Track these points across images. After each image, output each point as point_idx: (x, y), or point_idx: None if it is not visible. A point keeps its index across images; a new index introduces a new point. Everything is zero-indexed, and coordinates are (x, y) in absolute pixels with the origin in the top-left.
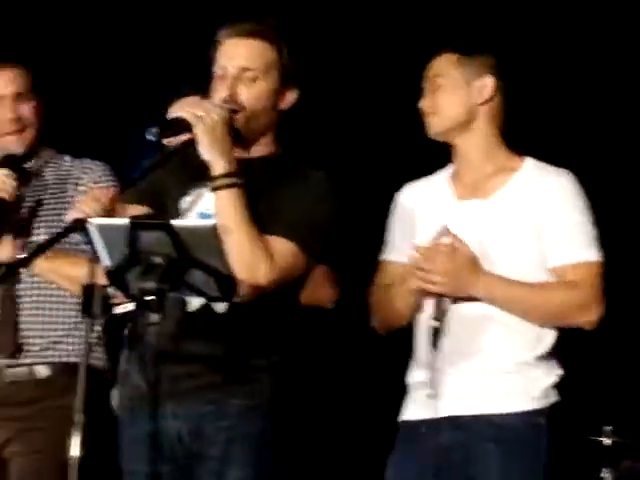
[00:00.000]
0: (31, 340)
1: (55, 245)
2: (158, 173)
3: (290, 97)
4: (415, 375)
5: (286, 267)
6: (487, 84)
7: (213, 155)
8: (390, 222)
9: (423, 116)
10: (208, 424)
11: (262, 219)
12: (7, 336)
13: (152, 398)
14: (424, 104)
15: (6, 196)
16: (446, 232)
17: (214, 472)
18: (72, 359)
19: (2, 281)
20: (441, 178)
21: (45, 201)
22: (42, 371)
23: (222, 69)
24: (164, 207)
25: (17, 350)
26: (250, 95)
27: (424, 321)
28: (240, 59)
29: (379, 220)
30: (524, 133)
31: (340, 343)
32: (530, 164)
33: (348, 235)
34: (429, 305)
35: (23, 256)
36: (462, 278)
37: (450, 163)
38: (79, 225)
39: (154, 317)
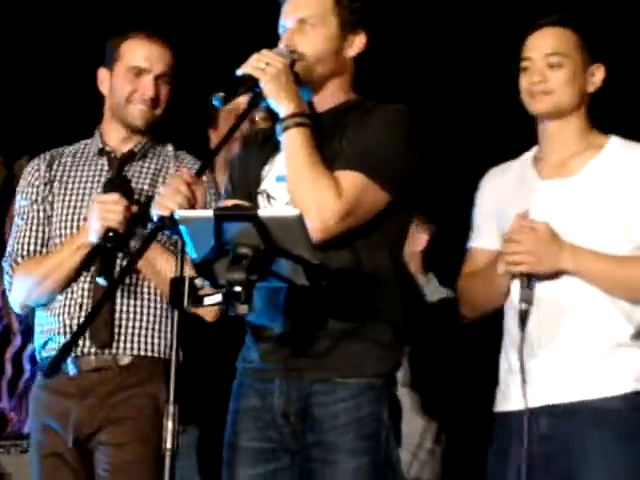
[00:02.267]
0: (119, 330)
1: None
2: (242, 158)
3: (358, 42)
4: (506, 362)
5: (356, 199)
6: (599, 73)
7: (280, 100)
8: (475, 208)
9: (527, 93)
10: (317, 405)
11: (332, 160)
12: (102, 328)
13: (262, 372)
14: (535, 84)
15: (118, 227)
16: (526, 215)
17: (323, 460)
18: (156, 349)
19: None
20: (524, 160)
21: (143, 189)
22: (125, 359)
23: (282, 27)
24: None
25: (110, 341)
26: (308, 43)
27: (512, 306)
28: (295, 11)
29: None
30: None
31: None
32: (616, 141)
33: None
34: (516, 289)
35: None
36: (548, 254)
37: (532, 145)
38: (167, 222)
39: (243, 308)
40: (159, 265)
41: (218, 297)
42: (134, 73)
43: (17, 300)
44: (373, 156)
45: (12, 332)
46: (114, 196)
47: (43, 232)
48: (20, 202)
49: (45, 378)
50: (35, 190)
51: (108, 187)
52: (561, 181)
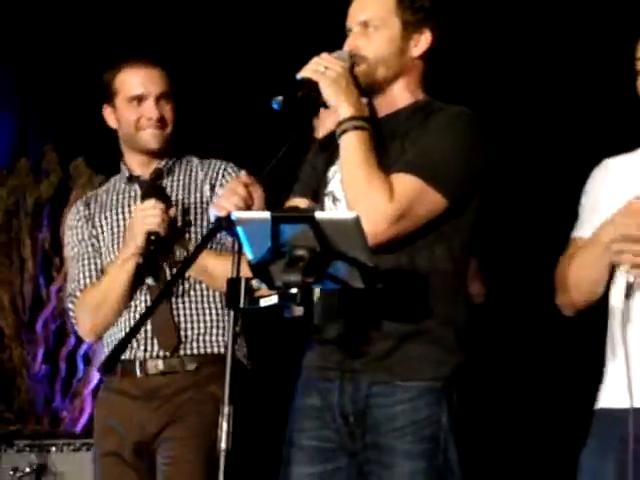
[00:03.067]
0: (183, 332)
1: (204, 246)
2: (313, 159)
3: (424, 41)
4: (610, 359)
5: (409, 202)
6: None
7: (339, 103)
8: (584, 198)
9: None
10: (375, 407)
11: (392, 164)
12: (169, 333)
13: (323, 372)
14: None
15: (159, 229)
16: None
17: (381, 463)
18: (217, 350)
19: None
20: None
21: (178, 203)
22: (191, 364)
23: (347, 31)
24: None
25: (178, 345)
26: (370, 46)
27: (615, 300)
28: (358, 14)
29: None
30: None
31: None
32: None
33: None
34: (621, 283)
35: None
36: None
37: None
38: (223, 222)
39: (299, 310)
40: (211, 268)
41: (274, 299)
42: (135, 102)
43: (85, 329)
44: (430, 159)
45: (66, 332)
46: (151, 201)
47: (96, 264)
48: (67, 248)
49: (110, 379)
50: (79, 231)
51: (144, 196)
52: None
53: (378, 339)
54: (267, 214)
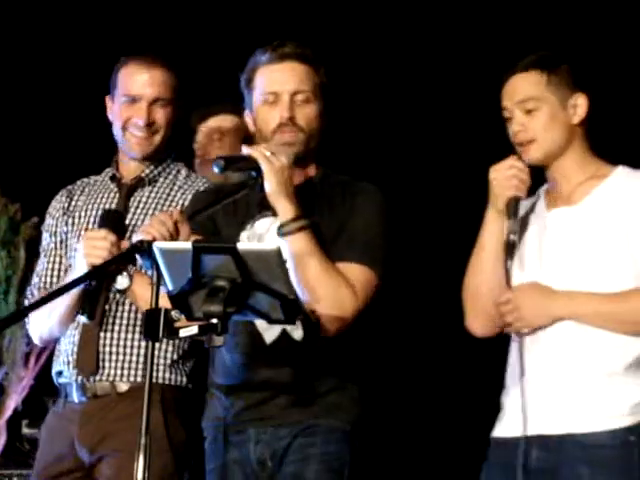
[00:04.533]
0: (110, 357)
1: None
2: (210, 216)
3: (327, 119)
4: (507, 390)
5: (367, 293)
6: (582, 102)
7: (279, 197)
8: None
9: (516, 144)
10: (290, 445)
11: (326, 242)
12: (88, 356)
13: (236, 426)
14: (518, 132)
15: (100, 262)
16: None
17: None
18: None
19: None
20: (539, 194)
21: (149, 214)
22: (123, 386)
23: (270, 94)
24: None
25: (96, 370)
26: (307, 117)
27: (515, 339)
28: (291, 83)
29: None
30: (611, 141)
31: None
32: (621, 171)
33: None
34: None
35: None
36: (542, 308)
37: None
38: (144, 246)
39: (219, 340)
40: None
41: (194, 329)
42: (129, 100)
43: (34, 332)
44: (371, 247)
45: None
46: (102, 232)
47: (60, 263)
48: (44, 234)
49: (56, 403)
50: (54, 222)
51: (100, 222)
52: (565, 209)
53: (291, 387)
54: (188, 244)
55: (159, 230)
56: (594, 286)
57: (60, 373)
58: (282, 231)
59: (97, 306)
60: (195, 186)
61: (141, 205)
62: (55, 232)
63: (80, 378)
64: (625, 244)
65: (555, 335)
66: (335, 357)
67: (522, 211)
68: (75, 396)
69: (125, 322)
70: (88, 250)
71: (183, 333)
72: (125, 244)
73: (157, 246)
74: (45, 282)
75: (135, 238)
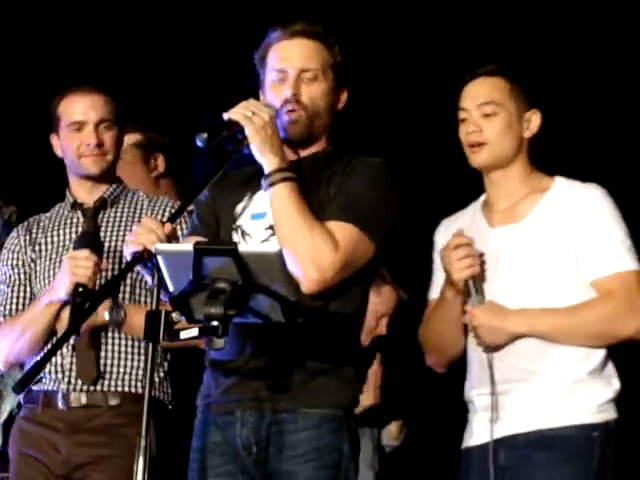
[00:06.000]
0: (108, 368)
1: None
2: (211, 197)
3: (343, 98)
4: (473, 401)
5: (352, 251)
6: (536, 119)
7: (265, 153)
8: (433, 262)
9: (467, 145)
10: (278, 435)
11: (320, 209)
12: (89, 363)
13: (223, 406)
14: (472, 133)
15: (87, 282)
16: (461, 232)
17: None
18: (141, 390)
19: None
20: (474, 209)
21: (120, 233)
22: (114, 399)
23: (279, 72)
24: (219, 233)
25: (98, 378)
26: (312, 95)
27: (475, 349)
28: (299, 60)
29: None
30: (549, 152)
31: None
32: (561, 182)
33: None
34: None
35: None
36: (499, 329)
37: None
38: (144, 255)
39: (220, 342)
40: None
41: (194, 331)
42: (75, 129)
43: (1, 355)
44: (362, 208)
45: None
46: (85, 252)
47: (25, 292)
48: (2, 269)
49: (31, 410)
50: (15, 256)
51: (79, 243)
52: (510, 227)
53: (282, 370)
54: (189, 246)
55: (148, 238)
56: (547, 301)
57: (39, 380)
58: (266, 182)
59: (82, 323)
60: (160, 203)
61: (109, 226)
62: (18, 264)
63: (66, 387)
64: (572, 257)
65: (518, 349)
66: (325, 338)
67: (460, 225)
68: (60, 404)
69: (123, 335)
70: (73, 269)
71: (184, 335)
72: (105, 264)
73: (158, 248)
74: (11, 310)
75: (126, 250)
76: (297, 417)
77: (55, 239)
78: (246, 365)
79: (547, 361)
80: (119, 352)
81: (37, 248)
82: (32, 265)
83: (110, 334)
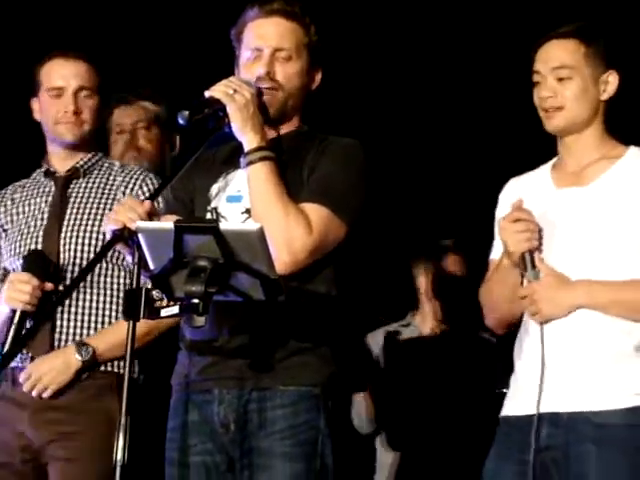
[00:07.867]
0: (63, 343)
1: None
2: (186, 176)
3: (317, 78)
4: (517, 371)
5: (324, 233)
6: (613, 81)
7: (246, 131)
8: (496, 221)
9: (542, 110)
10: (255, 412)
11: (293, 190)
12: (43, 337)
13: (200, 384)
14: (547, 98)
15: (24, 307)
16: (520, 204)
17: (262, 466)
18: (106, 365)
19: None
20: (544, 170)
21: (89, 204)
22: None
23: (254, 50)
24: (193, 212)
25: (50, 350)
26: (286, 74)
27: (527, 320)
28: (274, 39)
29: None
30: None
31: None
32: (633, 152)
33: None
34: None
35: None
36: (562, 297)
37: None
38: (124, 233)
39: (200, 320)
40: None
41: (175, 309)
42: (54, 94)
43: None
44: (335, 190)
45: None
46: (24, 276)
47: None
48: None
49: (2, 387)
50: None
51: (23, 264)
52: (576, 189)
53: (259, 349)
54: (170, 224)
55: (129, 216)
56: (608, 272)
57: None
58: (246, 160)
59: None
60: (134, 175)
61: (79, 196)
62: None
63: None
64: (637, 228)
65: (567, 321)
66: (300, 317)
67: (526, 186)
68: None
69: (80, 309)
70: (10, 294)
71: (164, 313)
72: (49, 285)
73: (139, 226)
74: None
75: (105, 228)
76: (275, 395)
77: (27, 208)
78: (224, 344)
79: (592, 334)
80: (74, 327)
81: (8, 219)
82: (3, 234)
83: (66, 308)
